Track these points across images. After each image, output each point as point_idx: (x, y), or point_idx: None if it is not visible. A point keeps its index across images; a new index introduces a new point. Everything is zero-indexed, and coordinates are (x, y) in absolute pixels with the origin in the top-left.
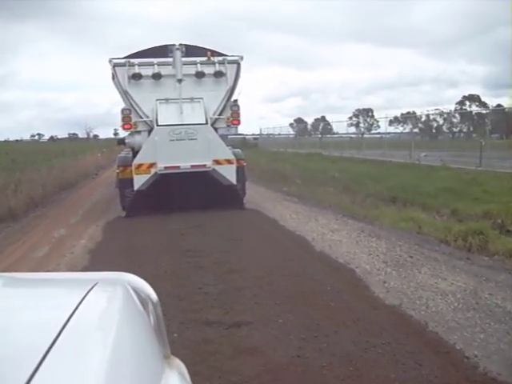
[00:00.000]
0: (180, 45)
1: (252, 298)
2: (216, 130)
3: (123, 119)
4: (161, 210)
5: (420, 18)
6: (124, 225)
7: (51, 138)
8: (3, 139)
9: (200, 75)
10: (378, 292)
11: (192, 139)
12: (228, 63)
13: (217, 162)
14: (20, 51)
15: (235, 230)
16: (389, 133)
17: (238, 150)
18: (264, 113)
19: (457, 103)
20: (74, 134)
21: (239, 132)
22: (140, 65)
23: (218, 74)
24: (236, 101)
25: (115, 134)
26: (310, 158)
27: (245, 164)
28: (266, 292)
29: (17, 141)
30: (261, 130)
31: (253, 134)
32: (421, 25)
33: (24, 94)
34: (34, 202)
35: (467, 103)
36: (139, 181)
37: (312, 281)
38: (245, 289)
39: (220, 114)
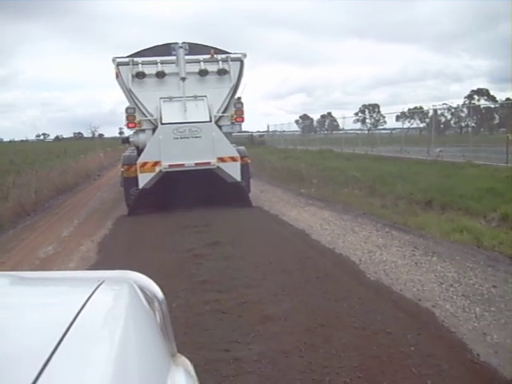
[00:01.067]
0: (183, 43)
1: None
2: (220, 127)
3: (127, 118)
4: (167, 216)
5: (423, 12)
6: (123, 239)
7: (56, 137)
8: (8, 139)
9: (203, 73)
10: (483, 354)
11: (196, 137)
12: (231, 61)
13: (221, 160)
14: (24, 51)
15: (262, 251)
16: (394, 128)
17: (243, 147)
18: (268, 110)
19: (465, 97)
20: (79, 133)
21: (245, 129)
22: (143, 63)
23: (222, 72)
24: (240, 98)
25: (120, 132)
26: (322, 156)
27: (249, 161)
28: (325, 359)
29: (22, 141)
30: (268, 127)
31: (258, 132)
32: (424, 19)
33: (28, 94)
34: (25, 210)
35: (476, 97)
36: (144, 179)
37: (386, 336)
38: (292, 352)
39: (224, 112)
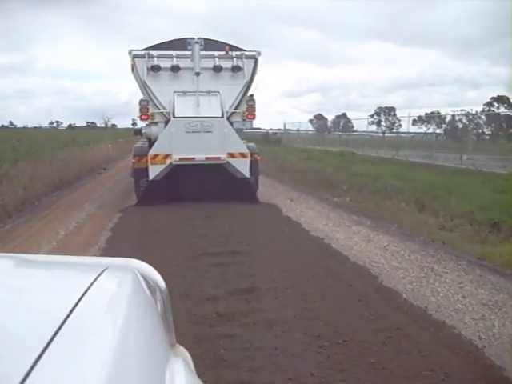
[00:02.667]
0: (199, 38)
1: None
2: (231, 123)
3: (141, 110)
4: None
5: (444, 17)
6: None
7: (69, 126)
8: (22, 126)
9: (217, 69)
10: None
11: (207, 132)
12: (245, 58)
13: (231, 155)
14: (42, 38)
15: (324, 316)
16: (409, 132)
17: (253, 144)
18: (282, 107)
19: (484, 104)
20: (93, 122)
21: (257, 126)
22: (159, 57)
23: (236, 69)
24: (252, 95)
25: (133, 123)
26: (345, 158)
27: (258, 158)
28: None
29: (35, 128)
30: (284, 126)
31: (271, 129)
32: (444, 25)
33: (44, 81)
34: (6, 211)
35: (495, 104)
36: (154, 171)
37: None
38: None
39: (236, 108)
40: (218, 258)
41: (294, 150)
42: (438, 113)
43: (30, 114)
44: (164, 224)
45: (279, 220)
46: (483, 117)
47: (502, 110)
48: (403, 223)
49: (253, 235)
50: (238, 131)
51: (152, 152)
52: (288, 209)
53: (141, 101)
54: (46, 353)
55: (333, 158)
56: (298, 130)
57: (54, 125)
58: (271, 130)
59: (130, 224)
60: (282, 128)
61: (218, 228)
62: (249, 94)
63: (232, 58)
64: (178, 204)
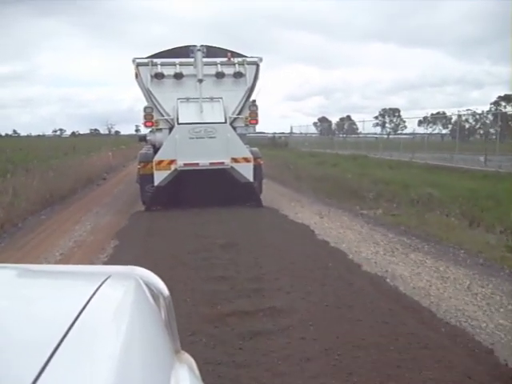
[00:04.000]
0: (201, 46)
1: None
2: (234, 128)
3: (145, 117)
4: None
5: (445, 17)
6: None
7: (73, 133)
8: (25, 134)
9: (220, 75)
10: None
11: (211, 137)
12: (247, 64)
13: (235, 160)
14: (43, 46)
15: None
16: (413, 133)
17: (256, 148)
18: (285, 111)
19: (491, 103)
20: (96, 129)
21: (261, 130)
22: (162, 64)
23: (238, 75)
24: (254, 101)
25: (137, 130)
26: (359, 162)
27: (262, 162)
28: None
29: (39, 136)
30: (291, 129)
31: (274, 133)
32: (446, 25)
33: (47, 89)
34: None
35: (502, 104)
36: (159, 177)
37: None
38: None
39: (239, 114)
40: (251, 325)
41: (304, 153)
42: (444, 113)
43: (33, 122)
44: (176, 260)
45: (318, 248)
46: (490, 116)
47: (510, 109)
48: (464, 245)
49: (292, 275)
50: (241, 136)
51: (157, 158)
52: (321, 229)
53: (145, 108)
54: (52, 362)
55: (346, 161)
56: (305, 134)
57: (58, 133)
58: (275, 133)
59: (128, 257)
60: (287, 131)
61: (245, 264)
62: (251, 99)
63: (234, 64)
64: (190, 230)
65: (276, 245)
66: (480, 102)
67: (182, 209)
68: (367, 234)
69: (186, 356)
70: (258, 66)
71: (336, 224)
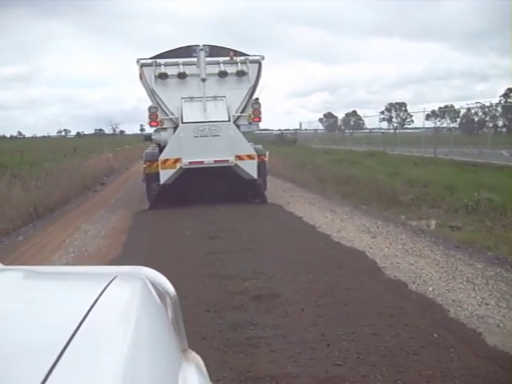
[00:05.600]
0: (204, 45)
1: None
2: (238, 126)
3: (150, 117)
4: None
5: (449, 10)
6: None
7: (78, 134)
8: (30, 135)
9: (223, 74)
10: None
11: (215, 136)
12: (250, 63)
13: (239, 158)
14: (47, 47)
15: None
16: (418, 127)
17: (260, 146)
18: (290, 108)
19: (501, 96)
20: (101, 129)
21: (268, 127)
22: (166, 65)
23: (240, 74)
24: (257, 99)
25: (141, 129)
26: (379, 159)
27: (266, 159)
28: None
29: (44, 137)
30: (300, 125)
31: (279, 130)
32: (450, 18)
33: (51, 90)
34: None
35: None
36: (165, 175)
37: None
38: None
39: (242, 112)
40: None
41: (316, 151)
42: (452, 106)
43: (38, 123)
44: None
45: (397, 298)
46: (499, 109)
47: None
48: None
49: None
50: (245, 134)
51: (162, 157)
52: (384, 258)
53: (150, 108)
54: (59, 363)
55: (364, 159)
56: (314, 130)
57: (63, 133)
58: (280, 130)
59: None
60: (292, 128)
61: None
62: (254, 97)
63: (236, 63)
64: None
65: (335, 299)
66: (486, 95)
67: (192, 220)
68: (448, 265)
69: (194, 355)
70: (260, 64)
71: (397, 247)
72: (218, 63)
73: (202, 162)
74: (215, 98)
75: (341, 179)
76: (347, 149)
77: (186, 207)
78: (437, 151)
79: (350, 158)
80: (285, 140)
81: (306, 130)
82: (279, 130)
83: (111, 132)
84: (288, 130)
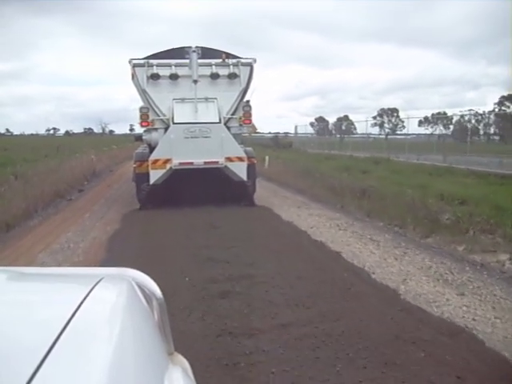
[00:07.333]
0: (196, 47)
1: None
2: (229, 128)
3: (141, 117)
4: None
5: (442, 18)
6: None
7: (66, 132)
8: (19, 133)
9: (215, 76)
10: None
11: (206, 137)
12: (241, 65)
13: (229, 160)
14: (39, 45)
15: None
16: (410, 134)
17: (250, 148)
18: (281, 111)
19: (495, 103)
20: (90, 128)
21: (259, 131)
22: (158, 65)
23: (232, 76)
24: (248, 101)
25: (131, 129)
26: (388, 167)
27: (255, 162)
28: None
29: (32, 135)
30: (296, 129)
31: (269, 133)
32: (443, 26)
33: (41, 88)
34: None
35: (506, 103)
36: (155, 175)
37: None
38: None
39: (233, 114)
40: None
41: (316, 156)
42: (445, 113)
43: (27, 121)
44: None
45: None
46: (492, 117)
47: None
48: None
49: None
50: (235, 136)
51: (152, 157)
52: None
53: (141, 108)
54: (45, 364)
55: (372, 166)
56: (311, 135)
57: (51, 132)
58: (270, 133)
59: None
60: (282, 131)
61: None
62: (245, 100)
63: (228, 65)
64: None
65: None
66: (476, 102)
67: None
68: None
69: (180, 357)
70: (251, 67)
71: (489, 312)
72: (210, 65)
73: (191, 163)
74: (206, 99)
75: (356, 191)
76: (347, 154)
77: (175, 211)
78: (447, 159)
79: (355, 164)
80: (279, 144)
81: (296, 134)
82: (269, 132)
83: (100, 131)
84: (278, 133)
